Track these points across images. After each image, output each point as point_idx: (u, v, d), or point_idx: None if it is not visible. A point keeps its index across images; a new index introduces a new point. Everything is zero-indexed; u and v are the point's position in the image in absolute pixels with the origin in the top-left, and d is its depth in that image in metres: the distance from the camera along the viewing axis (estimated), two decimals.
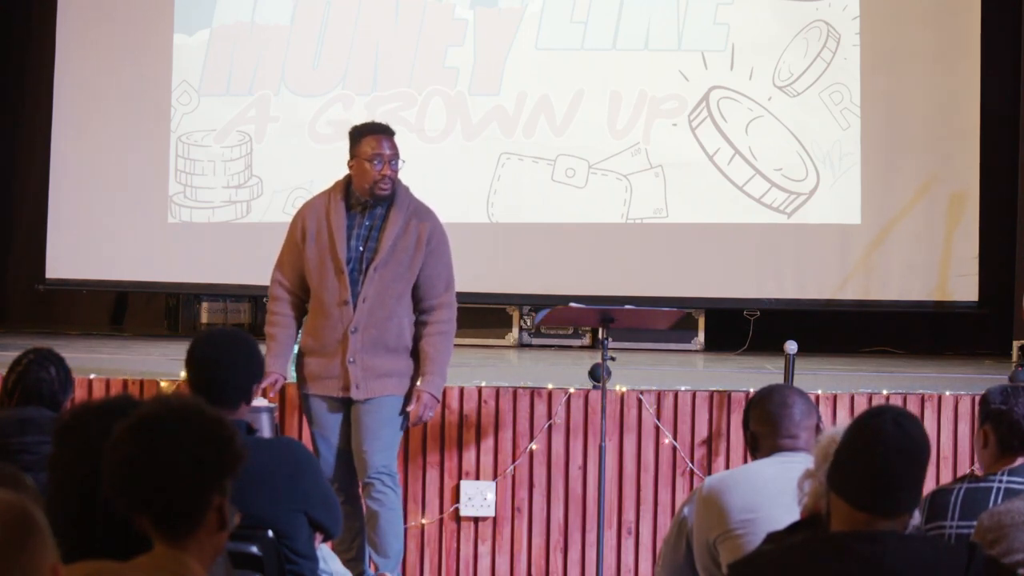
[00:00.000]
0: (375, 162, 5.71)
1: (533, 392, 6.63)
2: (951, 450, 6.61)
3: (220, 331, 4.40)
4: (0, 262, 10.37)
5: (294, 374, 6.66)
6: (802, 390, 4.23)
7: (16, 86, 10.23)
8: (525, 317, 9.47)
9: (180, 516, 2.66)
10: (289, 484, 4.13)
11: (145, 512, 2.67)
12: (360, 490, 5.79)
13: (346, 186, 5.83)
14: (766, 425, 4.06)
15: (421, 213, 5.80)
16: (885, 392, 6.72)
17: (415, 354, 5.76)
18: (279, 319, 5.85)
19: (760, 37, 9.30)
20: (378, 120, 6.03)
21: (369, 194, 5.74)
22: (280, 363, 5.79)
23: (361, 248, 5.73)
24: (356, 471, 5.75)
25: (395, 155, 5.77)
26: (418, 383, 5.73)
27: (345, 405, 5.77)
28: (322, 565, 4.53)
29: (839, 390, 6.70)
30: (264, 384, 5.68)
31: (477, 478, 6.59)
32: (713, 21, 9.31)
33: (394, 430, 5.77)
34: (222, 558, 2.93)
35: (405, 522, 6.59)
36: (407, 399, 5.73)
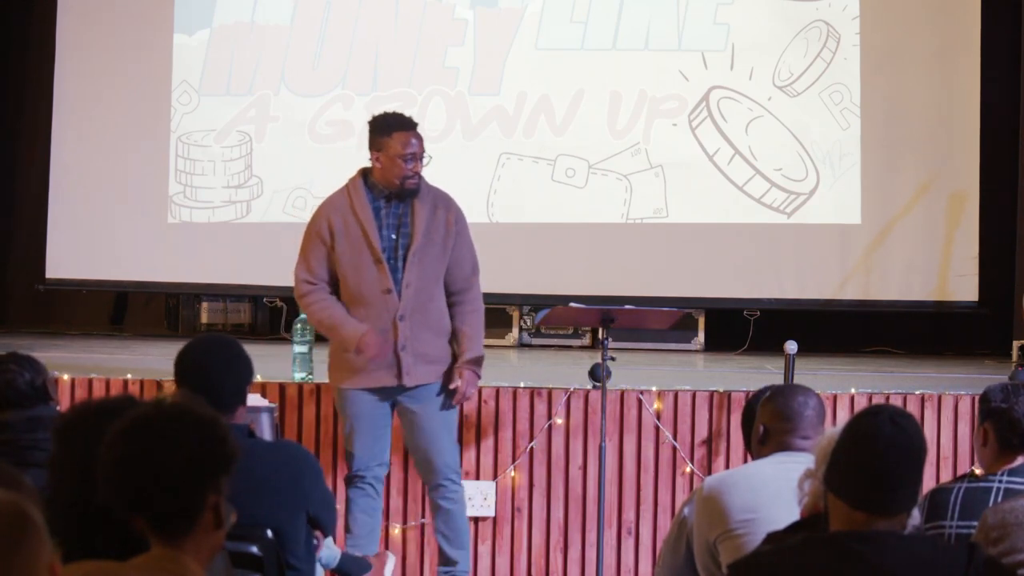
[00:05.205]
0: (406, 160, 5.74)
1: (533, 392, 6.63)
2: (951, 450, 6.61)
3: (206, 338, 4.39)
4: (0, 262, 10.37)
5: (300, 375, 6.68)
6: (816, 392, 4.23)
7: (16, 86, 10.22)
8: (525, 317, 9.47)
9: (176, 516, 2.66)
10: (291, 487, 4.16)
11: (141, 513, 2.67)
12: (430, 490, 5.95)
13: (363, 178, 5.84)
14: (783, 422, 4.05)
15: (444, 199, 5.92)
16: (885, 392, 6.72)
17: (450, 336, 5.89)
18: (325, 301, 5.80)
19: (760, 37, 9.30)
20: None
21: (397, 188, 5.78)
22: (355, 323, 5.75)
23: (394, 237, 5.79)
24: (419, 469, 5.93)
25: (423, 150, 5.83)
26: (459, 361, 5.84)
27: (390, 396, 5.82)
28: (328, 554, 4.59)
29: (839, 390, 6.70)
30: (364, 339, 5.70)
31: (477, 478, 6.59)
32: (713, 21, 9.30)
33: (452, 428, 5.95)
34: (221, 557, 2.94)
35: (405, 522, 6.61)
36: (447, 379, 5.84)
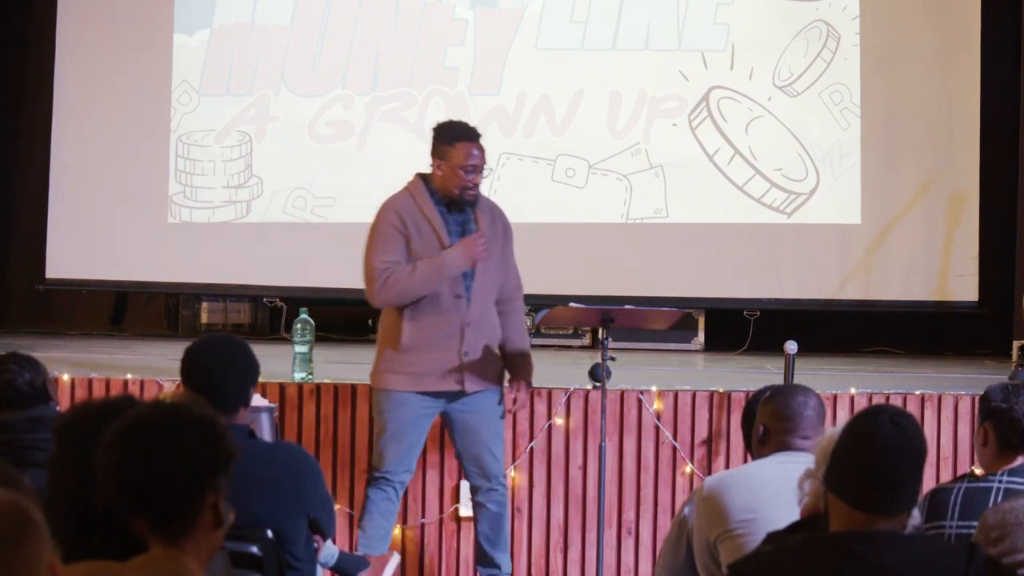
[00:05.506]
0: (467, 171, 5.78)
1: (533, 392, 6.63)
2: (951, 450, 6.61)
3: (213, 337, 4.39)
4: (0, 262, 10.37)
5: (300, 375, 6.67)
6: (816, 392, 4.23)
7: (16, 86, 10.22)
8: (525, 317, 9.45)
9: (175, 517, 2.66)
10: (292, 489, 4.17)
11: (140, 514, 2.67)
12: (478, 494, 6.00)
13: (425, 183, 5.85)
14: (783, 422, 4.06)
15: (498, 209, 6.02)
16: (885, 392, 6.73)
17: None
18: (407, 267, 5.74)
19: (760, 37, 9.30)
20: (456, 121, 6.02)
21: (456, 197, 5.82)
22: (445, 250, 5.75)
23: None
24: (470, 472, 5.96)
25: (484, 161, 5.86)
26: (516, 372, 5.95)
27: (443, 402, 5.85)
28: (326, 552, 4.61)
29: (839, 390, 6.70)
30: (465, 243, 5.75)
31: None
32: (713, 21, 9.30)
33: (502, 435, 6.04)
34: (221, 557, 2.94)
35: (404, 522, 6.61)
36: (500, 386, 5.94)
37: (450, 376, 5.81)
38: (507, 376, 5.99)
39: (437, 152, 5.83)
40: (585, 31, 9.36)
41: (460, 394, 5.84)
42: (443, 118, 9.16)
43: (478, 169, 5.82)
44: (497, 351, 5.94)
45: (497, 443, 5.97)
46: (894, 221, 9.18)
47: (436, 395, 5.84)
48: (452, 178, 5.78)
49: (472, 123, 9.19)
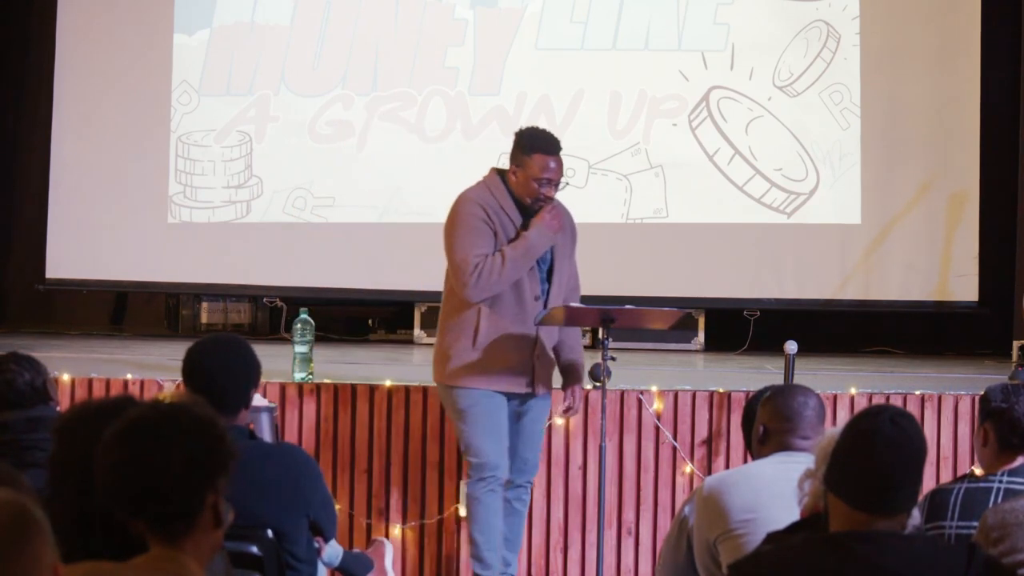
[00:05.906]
0: (541, 184, 5.74)
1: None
2: (951, 450, 6.62)
3: (215, 338, 4.37)
4: (0, 262, 10.36)
5: (300, 375, 6.67)
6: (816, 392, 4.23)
7: (16, 86, 10.22)
8: None
9: (175, 518, 2.65)
10: (292, 490, 4.17)
11: (140, 515, 2.66)
12: (505, 489, 5.96)
13: (502, 179, 5.83)
14: (783, 422, 4.06)
15: (568, 214, 5.97)
16: (885, 392, 6.73)
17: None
18: (497, 255, 5.72)
19: (760, 37, 9.30)
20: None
21: (528, 206, 5.79)
22: (523, 234, 5.76)
23: None
24: (508, 467, 5.94)
25: (561, 175, 5.80)
26: (573, 377, 6.00)
27: (511, 403, 5.87)
28: (330, 552, 4.61)
29: (839, 390, 6.70)
30: (539, 219, 5.74)
31: None
32: (713, 21, 9.30)
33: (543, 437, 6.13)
34: (221, 557, 2.93)
35: (405, 522, 6.61)
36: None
37: (522, 378, 5.82)
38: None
39: (515, 159, 5.79)
40: (585, 31, 9.36)
41: (528, 396, 5.86)
42: (441, 117, 9.27)
43: (553, 183, 5.76)
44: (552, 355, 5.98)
45: (539, 444, 6.03)
46: (894, 221, 9.18)
47: (506, 395, 5.84)
48: (526, 187, 5.75)
49: (472, 123, 9.32)
